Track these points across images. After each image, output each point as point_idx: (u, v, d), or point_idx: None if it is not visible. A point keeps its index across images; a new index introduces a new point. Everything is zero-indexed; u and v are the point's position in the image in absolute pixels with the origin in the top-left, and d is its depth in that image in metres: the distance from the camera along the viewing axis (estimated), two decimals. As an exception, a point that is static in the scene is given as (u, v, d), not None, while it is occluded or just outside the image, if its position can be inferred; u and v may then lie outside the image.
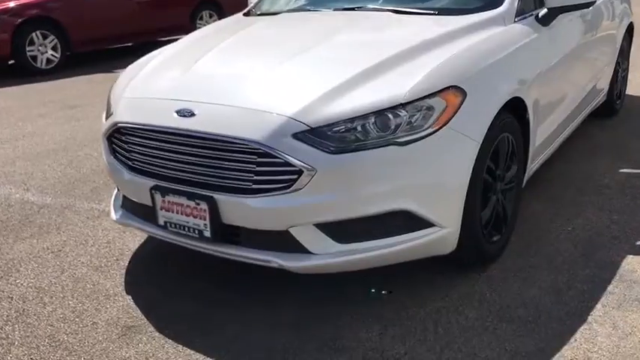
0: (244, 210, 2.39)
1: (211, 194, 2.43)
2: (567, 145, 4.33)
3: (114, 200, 3.04)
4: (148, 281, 2.90)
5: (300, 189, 2.31)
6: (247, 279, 2.84)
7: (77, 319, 2.62)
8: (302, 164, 2.28)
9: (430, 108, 2.40)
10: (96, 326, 2.57)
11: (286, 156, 2.29)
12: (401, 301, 2.63)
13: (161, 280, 2.91)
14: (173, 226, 2.58)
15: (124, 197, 2.90)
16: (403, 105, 2.37)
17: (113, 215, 2.96)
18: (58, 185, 4.20)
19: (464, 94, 2.52)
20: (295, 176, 2.31)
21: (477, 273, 2.82)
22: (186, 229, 2.54)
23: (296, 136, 2.31)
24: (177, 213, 2.55)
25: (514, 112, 2.87)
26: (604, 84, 4.78)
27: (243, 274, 2.85)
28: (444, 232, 2.51)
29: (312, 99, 2.39)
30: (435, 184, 2.44)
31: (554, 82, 3.39)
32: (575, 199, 3.58)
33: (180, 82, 2.76)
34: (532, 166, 3.31)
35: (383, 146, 2.32)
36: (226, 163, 2.40)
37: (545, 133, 3.40)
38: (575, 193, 3.66)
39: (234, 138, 2.34)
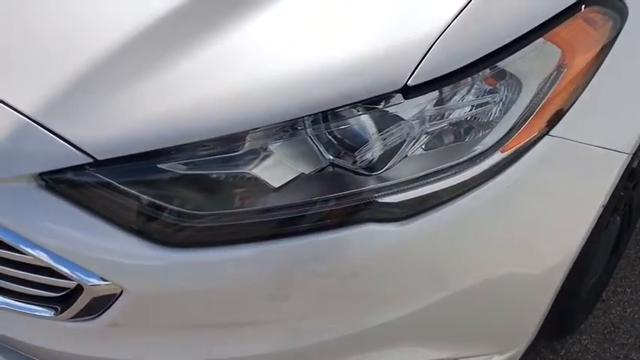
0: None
1: None
2: None
3: None
4: None
5: (92, 317, 0.80)
6: None
7: None
8: (71, 273, 0.74)
9: (502, 77, 0.76)
10: None
11: (18, 239, 0.74)
12: None
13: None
14: None
15: None
16: (410, 90, 0.71)
17: None
18: None
19: (620, 16, 0.82)
20: (68, 286, 0.79)
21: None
22: None
23: (51, 182, 0.73)
24: None
25: None
26: None
27: None
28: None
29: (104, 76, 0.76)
30: (484, 307, 0.88)
31: None
32: None
33: None
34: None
35: (350, 224, 0.75)
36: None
37: None
38: None
39: None
